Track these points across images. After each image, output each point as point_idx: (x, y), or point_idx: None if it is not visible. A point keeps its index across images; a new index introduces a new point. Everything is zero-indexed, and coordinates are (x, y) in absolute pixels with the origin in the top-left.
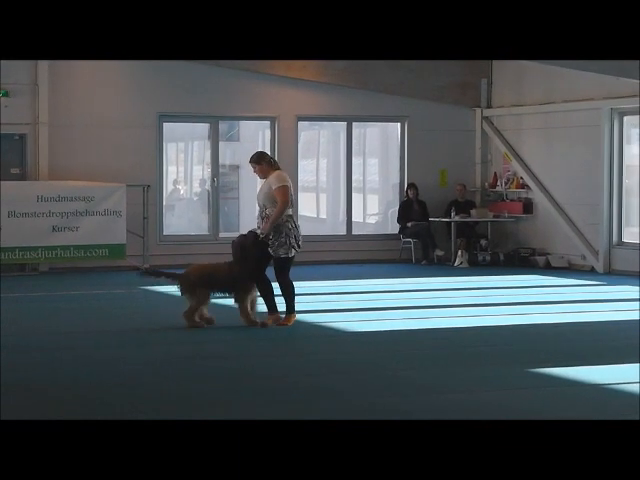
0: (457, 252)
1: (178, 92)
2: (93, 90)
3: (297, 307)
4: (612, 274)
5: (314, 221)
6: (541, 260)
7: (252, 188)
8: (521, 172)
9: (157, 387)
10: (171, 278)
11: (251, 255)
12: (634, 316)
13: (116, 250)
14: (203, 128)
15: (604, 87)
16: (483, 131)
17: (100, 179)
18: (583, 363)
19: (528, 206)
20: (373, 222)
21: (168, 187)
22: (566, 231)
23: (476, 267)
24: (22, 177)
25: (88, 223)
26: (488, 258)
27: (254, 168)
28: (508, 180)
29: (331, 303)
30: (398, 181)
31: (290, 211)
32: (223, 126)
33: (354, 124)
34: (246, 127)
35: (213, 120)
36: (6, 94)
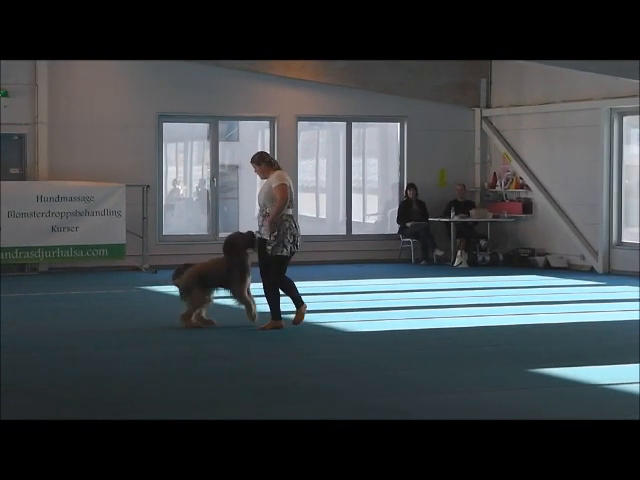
0: (456, 252)
1: (178, 92)
2: (93, 90)
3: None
4: (611, 274)
5: (314, 221)
6: (540, 260)
7: (252, 188)
8: (520, 172)
9: (157, 387)
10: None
11: (240, 253)
12: (634, 316)
13: (116, 250)
14: (203, 128)
15: (604, 87)
16: (482, 131)
17: (100, 179)
18: (583, 363)
19: (527, 206)
20: (373, 222)
21: (168, 187)
22: (565, 231)
23: (475, 267)
24: (22, 177)
25: (88, 223)
26: (487, 258)
27: (255, 168)
28: (507, 180)
29: (331, 303)
30: (397, 181)
31: (290, 211)
32: (223, 126)
33: (354, 124)
34: (246, 127)
35: (213, 120)
36: (6, 94)
